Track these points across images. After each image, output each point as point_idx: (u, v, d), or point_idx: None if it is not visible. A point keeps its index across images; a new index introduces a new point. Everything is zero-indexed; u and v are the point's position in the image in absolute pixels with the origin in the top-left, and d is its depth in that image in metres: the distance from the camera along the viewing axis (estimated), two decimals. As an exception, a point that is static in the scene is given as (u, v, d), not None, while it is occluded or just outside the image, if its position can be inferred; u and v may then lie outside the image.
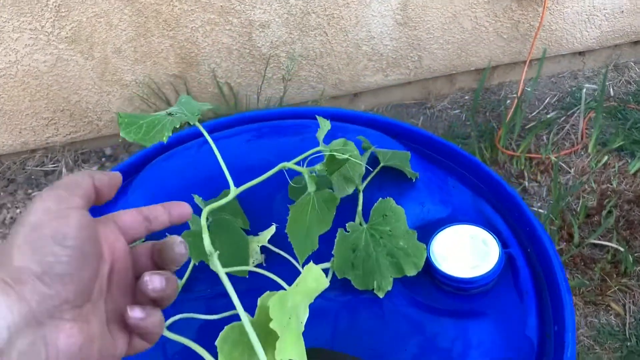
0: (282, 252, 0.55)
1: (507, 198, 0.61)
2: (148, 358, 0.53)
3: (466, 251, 0.56)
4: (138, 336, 0.40)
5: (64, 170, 1.85)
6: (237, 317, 0.47)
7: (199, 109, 0.56)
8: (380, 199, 0.57)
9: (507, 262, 0.56)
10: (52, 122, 1.86)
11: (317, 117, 0.57)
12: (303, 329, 0.45)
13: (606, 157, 1.79)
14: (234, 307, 0.48)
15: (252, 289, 0.56)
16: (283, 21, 1.75)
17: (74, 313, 0.35)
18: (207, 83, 1.87)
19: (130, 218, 0.42)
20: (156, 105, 1.86)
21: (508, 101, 2.07)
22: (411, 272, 0.55)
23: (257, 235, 0.60)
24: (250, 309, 0.47)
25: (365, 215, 0.58)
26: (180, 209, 0.44)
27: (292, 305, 0.43)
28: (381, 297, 0.54)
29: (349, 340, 0.51)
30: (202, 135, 0.76)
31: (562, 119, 1.96)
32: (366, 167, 0.61)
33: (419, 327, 0.52)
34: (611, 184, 1.70)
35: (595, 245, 1.55)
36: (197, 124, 0.53)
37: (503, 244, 0.56)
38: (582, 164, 1.80)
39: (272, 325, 0.40)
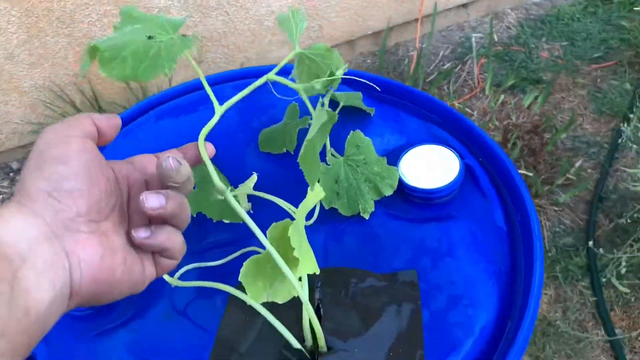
0: (269, 197, 0.58)
1: (454, 119, 0.68)
2: (158, 311, 0.55)
3: (431, 166, 0.62)
4: (161, 255, 0.43)
5: (-29, 191, 1.72)
6: (241, 260, 0.50)
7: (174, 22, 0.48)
8: (352, 131, 0.61)
9: (466, 171, 0.64)
10: (-54, 142, 1.72)
11: (291, 12, 0.60)
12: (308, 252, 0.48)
13: (502, 96, 1.96)
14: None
15: (242, 237, 0.59)
16: (182, 4, 1.74)
17: (91, 227, 0.38)
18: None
19: (146, 159, 0.44)
20: (61, 108, 1.78)
21: (407, 60, 2.19)
22: (388, 192, 0.61)
23: (240, 185, 0.63)
24: (244, 256, 0.50)
25: (337, 150, 0.63)
26: (195, 151, 0.46)
27: (302, 228, 0.47)
28: (367, 218, 0.60)
29: (348, 258, 0.56)
30: (151, 108, 0.76)
31: (458, 68, 2.11)
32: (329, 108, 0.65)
33: (406, 236, 0.58)
34: (511, 119, 1.87)
35: (506, 175, 1.71)
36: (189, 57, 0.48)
37: (460, 156, 0.63)
38: (483, 106, 1.96)
39: (295, 253, 0.44)
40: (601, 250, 1.44)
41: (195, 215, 0.57)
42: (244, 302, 0.51)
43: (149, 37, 0.45)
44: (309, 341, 0.48)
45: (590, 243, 1.47)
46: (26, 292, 0.32)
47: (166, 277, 0.53)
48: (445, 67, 2.13)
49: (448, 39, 2.29)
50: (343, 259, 0.56)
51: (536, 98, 1.95)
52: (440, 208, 0.61)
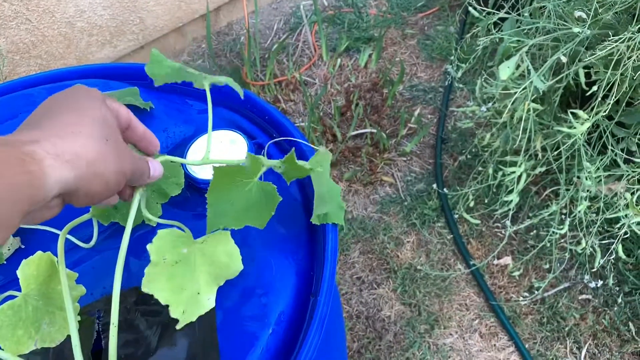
0: (40, 226, 0.52)
1: (243, 100, 0.65)
2: None
3: (219, 153, 0.58)
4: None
5: None
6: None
7: None
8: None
9: (258, 150, 0.61)
10: None
11: None
12: (204, 303, 0.44)
13: (339, 60, 1.98)
14: None
15: (10, 280, 0.52)
16: (-28, 19, 1.55)
17: None
18: None
19: (124, 115, 0.47)
20: None
21: (242, 38, 2.14)
22: (175, 191, 0.56)
23: None
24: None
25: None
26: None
27: (187, 253, 0.43)
28: (154, 225, 0.55)
29: (138, 275, 0.51)
30: None
31: (294, 38, 2.10)
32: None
33: (200, 233, 0.54)
34: (351, 81, 1.90)
35: (355, 136, 1.74)
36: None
37: (250, 137, 0.60)
38: (323, 72, 1.96)
39: (149, 246, 0.40)
40: (445, 190, 1.51)
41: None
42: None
43: None
44: (89, 378, 0.43)
45: (435, 186, 1.53)
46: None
47: None
48: (280, 39, 2.11)
49: (279, 10, 2.26)
50: (136, 275, 0.51)
51: (370, 56, 1.99)
52: (234, 195, 0.57)
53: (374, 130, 1.70)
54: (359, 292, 1.45)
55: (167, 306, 0.43)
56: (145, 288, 0.43)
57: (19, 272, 0.42)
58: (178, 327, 0.43)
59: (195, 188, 0.58)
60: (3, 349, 0.41)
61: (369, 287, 1.46)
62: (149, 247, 0.44)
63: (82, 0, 1.70)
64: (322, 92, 1.77)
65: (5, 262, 0.52)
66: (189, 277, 0.45)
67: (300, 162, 0.49)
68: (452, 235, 1.51)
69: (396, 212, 1.58)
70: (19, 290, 0.49)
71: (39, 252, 0.43)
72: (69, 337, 0.44)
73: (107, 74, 0.68)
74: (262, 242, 0.53)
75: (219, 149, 0.59)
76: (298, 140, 0.60)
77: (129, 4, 1.82)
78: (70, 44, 1.76)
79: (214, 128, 0.61)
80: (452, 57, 1.54)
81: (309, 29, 2.09)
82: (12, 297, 0.47)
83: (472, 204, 1.49)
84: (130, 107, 0.63)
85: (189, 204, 0.58)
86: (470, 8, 1.35)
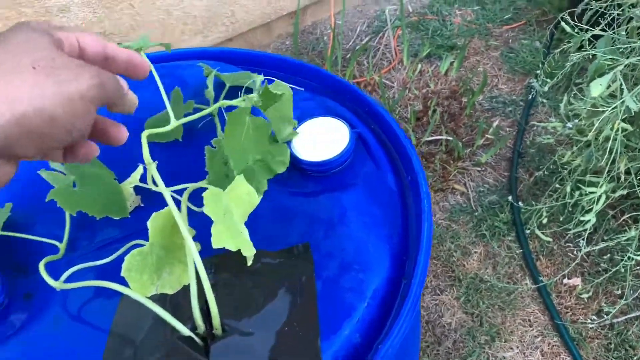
0: (157, 188, 0.57)
1: (344, 90, 0.68)
2: (48, 317, 0.53)
3: (322, 139, 0.62)
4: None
5: None
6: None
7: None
8: (234, 111, 0.60)
9: (358, 140, 0.64)
10: None
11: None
12: (245, 233, 0.47)
13: (420, 65, 1.99)
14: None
15: (130, 233, 0.58)
16: (83, 1, 1.66)
17: None
18: (18, 85, 1.72)
19: (92, 43, 0.38)
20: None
21: (325, 37, 2.19)
22: (281, 169, 0.60)
23: (126, 180, 0.61)
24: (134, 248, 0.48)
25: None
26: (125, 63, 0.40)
27: (225, 204, 0.46)
28: (260, 197, 0.59)
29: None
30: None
31: (376, 41, 2.13)
32: (215, 90, 0.64)
33: (300, 210, 0.58)
34: (429, 87, 1.91)
35: (430, 142, 1.74)
36: (143, 53, 0.52)
37: (351, 126, 0.63)
38: (402, 77, 1.98)
39: (206, 210, 0.43)
40: (521, 204, 1.50)
41: (75, 215, 0.55)
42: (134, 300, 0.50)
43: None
44: (200, 327, 0.48)
45: (510, 198, 1.52)
46: None
47: (50, 281, 0.51)
48: (363, 41, 2.14)
49: (364, 13, 2.30)
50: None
51: (452, 64, 1.99)
52: (335, 178, 0.61)
53: (450, 138, 1.70)
54: (422, 297, 1.46)
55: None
56: (215, 244, 0.46)
57: (149, 223, 0.47)
58: (249, 263, 0.46)
59: (297, 168, 0.62)
60: (131, 289, 0.46)
61: (432, 292, 1.46)
62: (205, 210, 0.46)
63: (182, -10, 1.80)
64: (400, 95, 1.79)
65: (129, 216, 0.58)
66: (234, 221, 0.48)
67: (271, 88, 0.53)
68: (521, 250, 1.49)
69: (465, 222, 1.58)
70: (140, 240, 0.54)
71: (167, 208, 0.48)
72: (184, 287, 0.49)
73: (223, 57, 0.73)
74: (360, 224, 0.56)
75: (321, 134, 0.62)
76: (396, 131, 0.62)
77: (223, -3, 1.90)
78: (166, 30, 1.86)
79: (318, 115, 0.65)
80: (538, 72, 1.52)
81: (391, 33, 2.11)
82: (138, 245, 0.52)
83: (545, 220, 1.47)
84: (242, 89, 0.67)
85: (290, 182, 0.62)
86: (563, 23, 1.34)
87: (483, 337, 1.36)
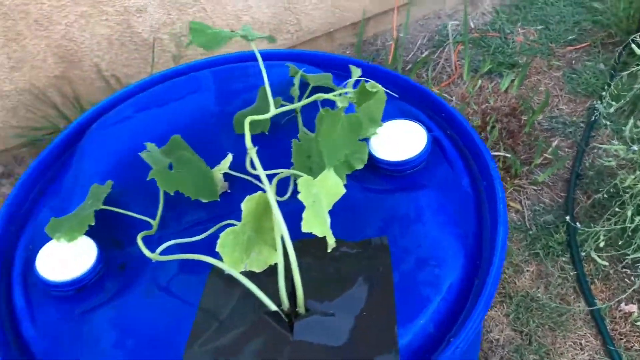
0: (245, 176, 0.61)
1: (423, 95, 0.71)
2: (140, 288, 0.57)
3: (400, 140, 0.65)
4: None
5: (-42, 196, 1.72)
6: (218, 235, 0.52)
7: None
8: (321, 110, 0.64)
9: (434, 143, 0.66)
10: None
11: (350, 65, 0.64)
12: (328, 219, 0.51)
13: (480, 81, 1.99)
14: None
15: (218, 215, 0.62)
16: (159, 3, 1.75)
17: None
18: (93, 78, 1.82)
19: None
20: (42, 110, 1.78)
21: (386, 49, 2.22)
22: (359, 165, 0.63)
23: (216, 166, 0.65)
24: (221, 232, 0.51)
25: (310, 128, 0.65)
26: None
27: (315, 192, 0.50)
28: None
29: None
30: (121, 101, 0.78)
31: (436, 55, 2.14)
32: (300, 88, 0.68)
33: (377, 206, 0.60)
34: (489, 103, 1.90)
35: (486, 157, 1.74)
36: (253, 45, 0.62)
37: (428, 129, 0.66)
38: (461, 91, 1.98)
39: (300, 197, 0.47)
40: (578, 224, 1.48)
41: (172, 194, 0.59)
42: (223, 273, 0.53)
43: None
44: (285, 304, 0.51)
45: (568, 218, 1.50)
46: None
47: (147, 252, 0.55)
48: (423, 55, 2.16)
49: (425, 27, 2.32)
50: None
51: (512, 81, 1.98)
52: (410, 178, 0.63)
53: (508, 155, 1.70)
54: (470, 310, 1.46)
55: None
56: (305, 229, 0.49)
57: (243, 205, 0.51)
58: (329, 250, 0.49)
59: (372, 165, 0.65)
60: (224, 263, 0.49)
61: (480, 306, 1.46)
62: (299, 196, 0.49)
63: (252, -4, 1.86)
64: (460, 109, 1.79)
65: (219, 200, 0.62)
66: (322, 209, 0.51)
67: (368, 86, 0.56)
68: (575, 272, 1.47)
69: (519, 240, 1.57)
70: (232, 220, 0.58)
71: (260, 192, 0.51)
72: (269, 267, 0.52)
73: (305, 59, 0.77)
74: (435, 222, 0.58)
75: (399, 135, 0.65)
76: (474, 138, 0.64)
77: (290, 5, 1.96)
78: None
79: (395, 118, 0.68)
80: (603, 93, 1.51)
81: (452, 48, 2.12)
82: (229, 225, 0.55)
83: (602, 244, 1.44)
84: (324, 89, 0.71)
85: (364, 179, 0.65)
86: (633, 45, 1.33)
87: (532, 357, 1.35)
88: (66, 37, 1.68)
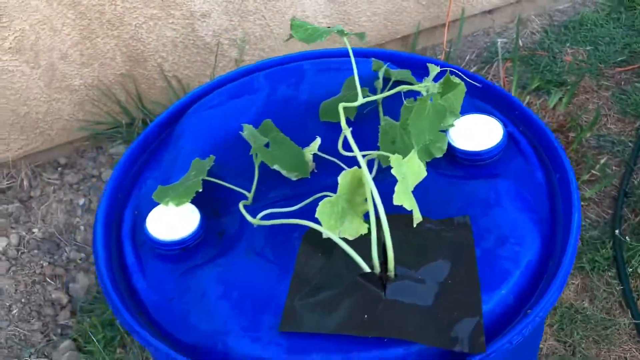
0: (331, 158, 0.66)
1: (495, 92, 0.76)
2: (240, 250, 0.63)
3: (477, 132, 0.69)
4: None
5: (25, 183, 1.82)
6: (310, 207, 0.58)
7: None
8: (410, 99, 0.69)
9: (508, 137, 0.71)
10: (1, 138, 1.83)
11: (428, 64, 0.71)
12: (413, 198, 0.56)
13: (528, 97, 2.02)
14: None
15: (308, 192, 0.67)
16: (223, 9, 1.84)
17: None
18: (155, 78, 1.91)
19: None
20: (107, 106, 1.88)
21: (434, 63, 2.27)
22: (439, 154, 0.68)
23: (306, 148, 0.71)
24: (312, 209, 0.56)
25: (393, 117, 0.71)
26: None
27: (404, 170, 0.55)
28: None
29: (405, 210, 0.63)
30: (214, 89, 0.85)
31: (484, 71, 2.18)
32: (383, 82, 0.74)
33: (457, 191, 0.65)
34: (536, 119, 1.93)
35: (533, 171, 1.77)
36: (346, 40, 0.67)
37: (503, 124, 0.71)
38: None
39: (393, 171, 0.52)
40: (627, 238, 1.49)
41: (273, 167, 0.65)
42: (317, 241, 0.59)
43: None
44: (377, 268, 0.56)
45: (617, 232, 1.52)
46: None
47: (249, 217, 0.60)
48: (472, 70, 2.20)
49: (474, 43, 2.36)
50: (401, 209, 0.64)
51: (560, 99, 2.01)
52: (486, 168, 0.68)
53: (555, 169, 1.72)
54: (513, 319, 1.48)
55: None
56: (396, 201, 0.54)
57: (339, 178, 0.56)
58: (415, 224, 0.54)
59: (451, 155, 0.70)
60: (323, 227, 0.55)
61: (524, 315, 1.48)
62: (392, 171, 0.55)
63: (309, 7, 1.94)
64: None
65: (309, 177, 0.68)
66: (408, 186, 0.56)
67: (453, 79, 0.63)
68: (622, 287, 1.48)
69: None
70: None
71: (355, 167, 0.57)
72: (360, 236, 0.57)
73: (384, 57, 0.82)
74: (513, 207, 0.63)
75: (476, 128, 0.70)
76: (547, 133, 0.69)
77: (345, 16, 2.03)
78: (289, 43, 2.01)
79: (469, 112, 0.72)
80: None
81: (501, 64, 2.16)
82: (325, 196, 0.61)
83: (649, 260, 1.45)
84: (405, 83, 0.76)
85: (443, 166, 0.69)
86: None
87: (575, 367, 1.36)
88: (135, 37, 1.78)
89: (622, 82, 2.11)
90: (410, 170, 0.58)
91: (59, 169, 1.95)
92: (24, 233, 1.64)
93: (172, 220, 0.64)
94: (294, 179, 0.69)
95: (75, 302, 1.52)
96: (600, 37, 2.29)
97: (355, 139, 0.70)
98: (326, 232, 0.55)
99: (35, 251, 1.59)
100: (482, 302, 0.53)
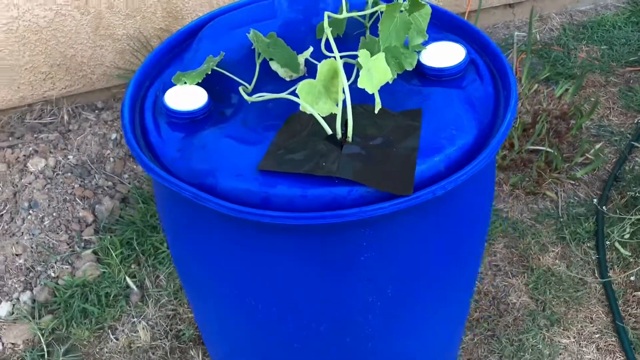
0: (318, 63, 0.80)
1: (462, 24, 0.89)
2: (237, 120, 0.78)
3: (444, 54, 0.83)
4: None
5: (65, 117, 2.02)
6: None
7: None
8: (390, 5, 0.82)
9: (470, 62, 0.84)
10: (49, 76, 2.03)
11: None
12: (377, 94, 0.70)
13: (536, 85, 2.13)
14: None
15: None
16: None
17: None
18: (191, 36, 2.09)
19: None
20: (144, 57, 2.06)
21: (453, 49, 2.40)
22: (408, 67, 0.82)
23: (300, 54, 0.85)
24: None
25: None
26: None
27: (370, 66, 0.69)
28: (390, 82, 0.81)
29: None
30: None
31: (499, 59, 2.30)
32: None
33: (419, 95, 0.79)
34: (541, 105, 2.04)
35: (531, 151, 1.88)
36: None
37: (467, 51, 0.84)
38: (518, 92, 2.13)
39: (359, 59, 0.66)
40: (604, 208, 1.59)
41: (270, 63, 0.80)
42: (298, 118, 0.73)
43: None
44: (339, 134, 0.70)
45: (595, 201, 1.62)
46: None
47: (246, 96, 0.75)
48: (487, 58, 2.32)
49: (493, 35, 2.48)
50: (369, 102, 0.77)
51: (567, 90, 2.11)
52: (447, 83, 0.82)
53: (550, 150, 1.83)
54: (493, 276, 1.60)
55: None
56: (360, 84, 0.68)
57: (319, 66, 0.70)
58: (376, 111, 0.68)
59: (419, 72, 0.83)
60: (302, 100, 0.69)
61: (503, 275, 1.59)
62: (358, 59, 0.69)
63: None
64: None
65: (301, 76, 0.83)
66: (373, 77, 0.70)
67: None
68: (597, 256, 1.58)
69: (550, 224, 1.70)
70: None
71: (332, 58, 0.71)
72: (329, 115, 0.72)
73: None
74: (459, 109, 0.76)
75: (443, 50, 0.84)
76: (502, 59, 0.82)
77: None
78: None
79: (439, 40, 0.86)
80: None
81: (515, 56, 2.27)
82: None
83: (627, 235, 1.56)
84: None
85: (411, 79, 0.83)
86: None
87: (543, 321, 1.47)
88: (175, -5, 1.96)
89: (631, 81, 2.20)
90: (375, 67, 0.72)
91: (96, 111, 2.13)
92: (60, 158, 1.82)
93: (185, 97, 0.80)
94: (288, 79, 0.84)
95: (99, 221, 1.69)
96: (617, 38, 2.38)
97: (341, 48, 0.85)
98: (303, 104, 0.70)
99: (69, 174, 1.77)
100: (416, 163, 0.67)
